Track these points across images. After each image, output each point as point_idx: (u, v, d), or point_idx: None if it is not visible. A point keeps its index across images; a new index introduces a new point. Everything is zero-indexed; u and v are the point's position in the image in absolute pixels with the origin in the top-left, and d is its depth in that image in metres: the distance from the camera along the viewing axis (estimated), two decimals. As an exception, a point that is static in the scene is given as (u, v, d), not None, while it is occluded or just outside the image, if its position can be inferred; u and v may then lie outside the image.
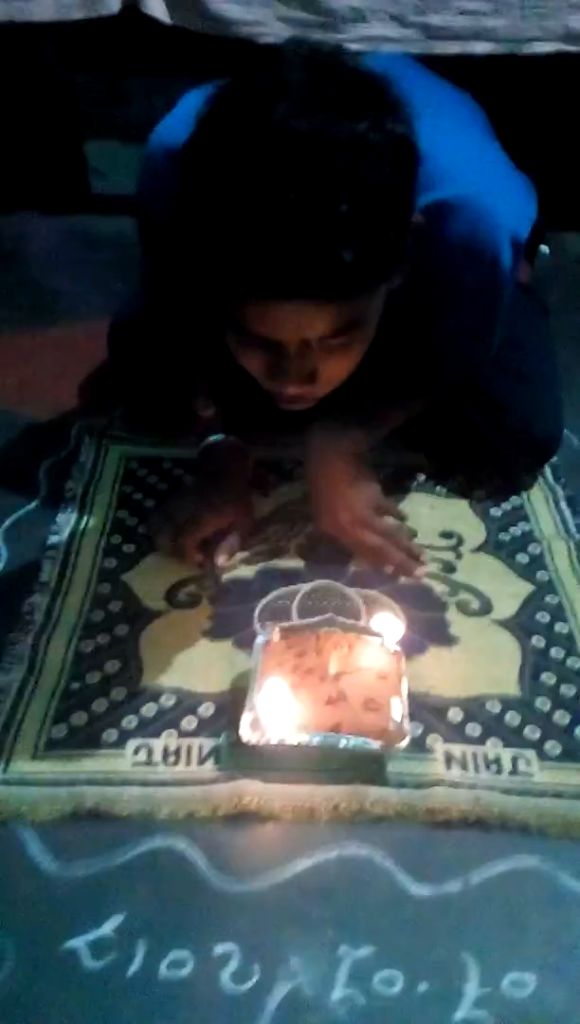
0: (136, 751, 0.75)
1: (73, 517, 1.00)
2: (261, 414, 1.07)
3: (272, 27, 1.45)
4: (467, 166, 0.83)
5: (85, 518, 1.00)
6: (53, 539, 0.97)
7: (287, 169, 0.61)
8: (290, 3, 1.43)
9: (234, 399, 1.01)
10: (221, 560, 0.92)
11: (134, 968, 0.62)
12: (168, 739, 0.77)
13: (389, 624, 0.85)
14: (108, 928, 0.64)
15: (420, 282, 0.84)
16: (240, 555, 0.95)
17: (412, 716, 0.77)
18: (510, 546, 0.99)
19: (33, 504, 1.03)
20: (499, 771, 0.75)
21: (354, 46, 1.36)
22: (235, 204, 0.63)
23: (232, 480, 0.97)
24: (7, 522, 1.00)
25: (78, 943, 0.63)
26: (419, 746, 0.76)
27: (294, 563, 0.96)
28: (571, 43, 1.43)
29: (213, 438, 0.98)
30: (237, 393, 1.01)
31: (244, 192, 0.62)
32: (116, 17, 1.45)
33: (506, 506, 1.05)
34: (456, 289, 0.87)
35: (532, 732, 0.78)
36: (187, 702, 0.80)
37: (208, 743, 0.76)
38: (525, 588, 0.94)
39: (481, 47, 1.43)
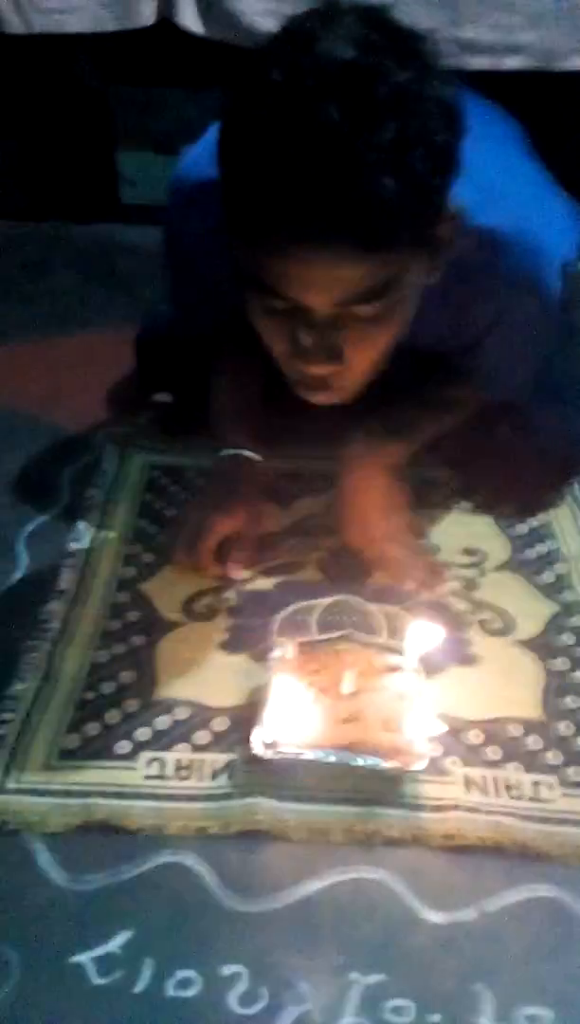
0: (148, 764, 0.75)
1: (94, 525, 1.00)
2: (285, 424, 1.07)
3: (305, 40, 1.45)
4: (515, 188, 0.82)
5: (106, 527, 1.00)
6: (73, 546, 0.96)
7: (329, 93, 0.59)
8: (324, 15, 1.44)
9: (259, 409, 1.01)
10: (234, 573, 0.90)
11: (140, 986, 0.61)
12: (181, 753, 0.76)
13: (424, 636, 0.83)
14: (115, 944, 0.63)
15: (466, 311, 0.84)
16: (258, 567, 0.94)
17: (431, 738, 0.75)
18: (534, 565, 0.97)
19: (55, 511, 1.03)
20: (519, 796, 0.73)
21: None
22: (275, 130, 0.60)
23: (242, 488, 0.94)
24: (28, 528, 1.00)
25: (84, 958, 0.62)
26: (437, 768, 0.75)
27: (313, 576, 0.94)
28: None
29: (227, 451, 0.96)
30: (262, 403, 1.02)
31: (285, 118, 0.60)
32: (150, 28, 1.46)
33: (531, 524, 1.03)
34: (506, 322, 0.85)
35: (554, 757, 0.76)
36: (201, 715, 0.79)
37: (221, 758, 0.75)
38: (549, 608, 0.92)
39: (513, 62, 1.42)
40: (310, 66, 0.60)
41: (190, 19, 1.45)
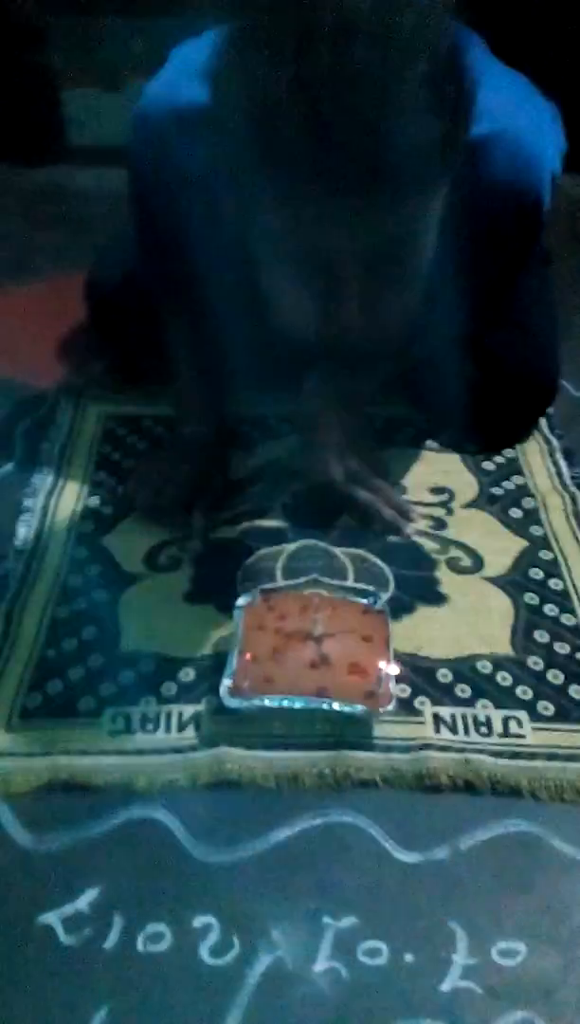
0: (113, 719, 0.73)
1: (49, 479, 0.97)
2: (248, 368, 1.04)
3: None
4: (504, 97, 0.77)
5: (62, 480, 0.97)
6: (28, 502, 0.93)
7: (356, 29, 0.54)
8: None
9: (220, 352, 0.98)
10: (200, 520, 0.88)
11: (110, 943, 0.60)
12: (146, 706, 0.74)
13: (376, 584, 0.83)
14: (83, 902, 0.62)
15: (457, 216, 0.79)
16: (221, 515, 0.92)
17: (400, 678, 0.74)
18: (503, 501, 0.96)
19: (8, 466, 0.99)
20: (489, 733, 0.72)
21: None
22: (303, 65, 0.54)
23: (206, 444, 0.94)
24: (-19, 486, 0.97)
25: (52, 918, 0.61)
26: (407, 709, 0.74)
27: (278, 523, 0.92)
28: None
29: (188, 429, 0.95)
30: (224, 346, 0.98)
31: (312, 54, 0.54)
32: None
33: (499, 459, 1.01)
34: (495, 225, 0.80)
35: (524, 692, 0.75)
36: (166, 668, 0.77)
37: (188, 709, 0.74)
38: (518, 544, 0.90)
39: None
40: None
41: None
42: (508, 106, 0.77)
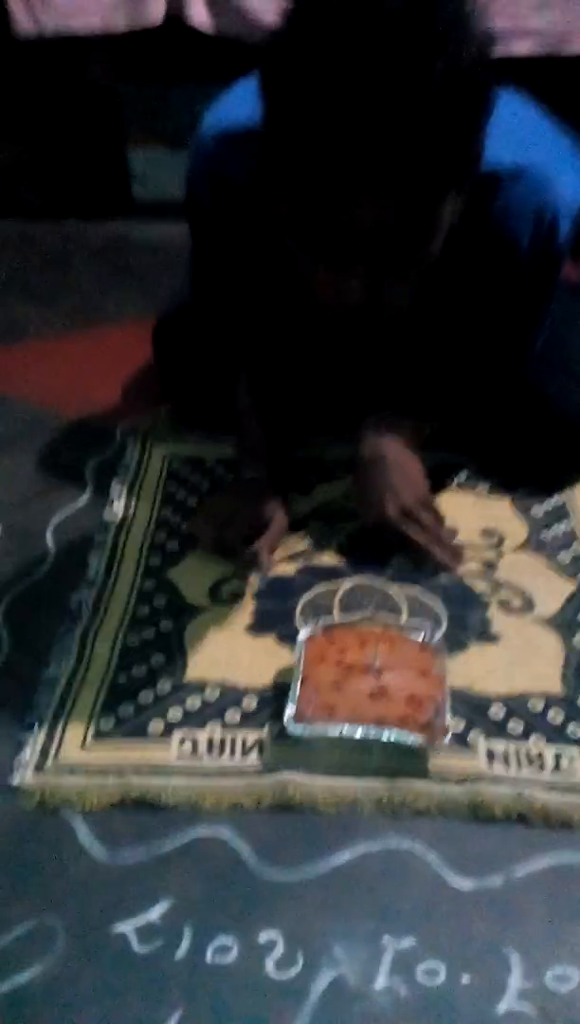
0: (181, 742, 0.77)
1: (118, 516, 1.02)
2: (306, 411, 1.10)
3: (313, 32, 1.46)
4: (528, 135, 0.83)
5: (130, 516, 1.02)
6: (99, 537, 0.99)
7: (384, 37, 0.59)
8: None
9: (281, 397, 1.03)
10: (265, 557, 0.92)
11: (181, 953, 0.63)
12: (213, 731, 0.78)
13: (430, 622, 0.86)
14: (155, 914, 0.65)
15: (477, 245, 0.82)
16: (280, 552, 0.96)
17: (454, 712, 0.77)
18: (552, 545, 0.99)
19: (80, 503, 1.05)
20: (542, 768, 0.75)
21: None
22: (333, 69, 0.60)
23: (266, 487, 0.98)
24: (55, 520, 1.02)
25: (126, 928, 0.65)
26: (461, 742, 0.77)
27: (334, 561, 0.96)
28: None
29: (249, 475, 0.99)
30: (284, 390, 1.04)
31: (343, 59, 0.60)
32: (160, 27, 1.48)
33: (548, 505, 1.05)
34: (514, 254, 0.85)
35: (575, 729, 0.78)
36: (231, 695, 0.81)
37: (252, 735, 0.77)
38: (567, 587, 0.93)
39: (521, 47, 1.43)
40: (362, 11, 0.60)
41: (199, 16, 1.47)
42: (532, 139, 0.83)
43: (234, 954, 0.63)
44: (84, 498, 1.06)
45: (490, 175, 0.77)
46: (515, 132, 0.79)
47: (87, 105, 1.73)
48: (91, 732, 0.78)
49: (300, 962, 0.63)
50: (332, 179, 0.64)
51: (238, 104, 0.82)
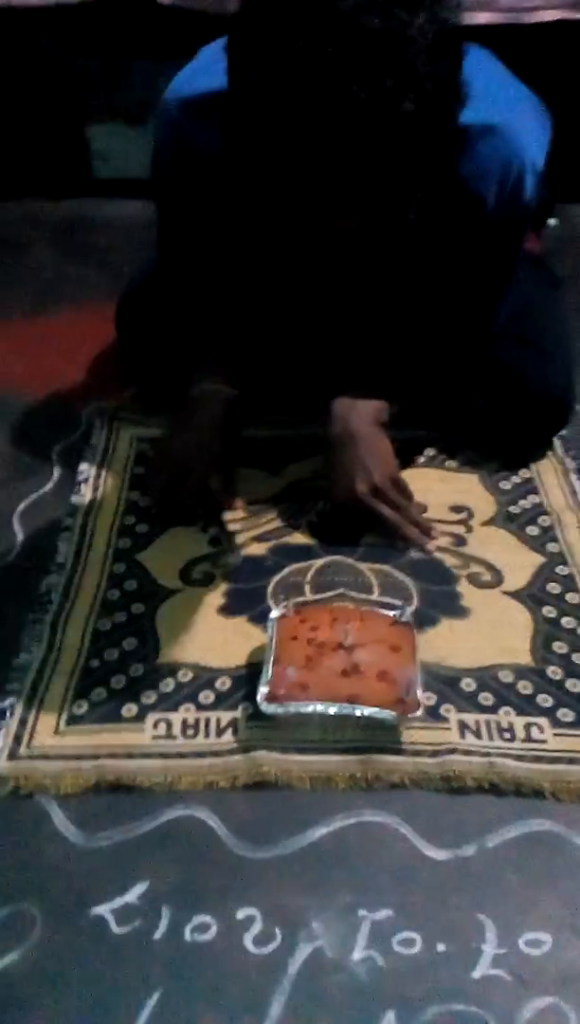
0: (155, 725, 0.77)
1: (86, 499, 1.01)
2: (273, 391, 1.09)
3: (272, 4, 1.44)
4: (495, 92, 0.82)
5: (98, 500, 1.01)
6: (67, 521, 0.98)
7: (357, 65, 0.58)
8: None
9: (247, 376, 1.03)
10: (236, 507, 0.97)
11: (159, 933, 0.64)
12: (186, 713, 0.78)
13: (401, 598, 0.87)
14: (133, 895, 0.66)
15: (444, 201, 0.80)
16: (251, 532, 0.96)
17: (426, 686, 0.78)
18: (520, 519, 1.00)
19: (47, 487, 1.04)
20: (512, 738, 0.76)
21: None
22: (300, 93, 0.59)
23: (205, 424, 0.98)
24: (22, 505, 1.01)
25: (104, 910, 0.65)
26: (433, 715, 0.77)
27: (305, 540, 0.96)
28: (577, 10, 1.42)
29: (202, 384, 0.99)
30: (250, 369, 1.03)
31: (311, 84, 0.59)
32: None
33: (515, 479, 1.05)
34: (480, 209, 0.85)
35: (544, 700, 0.79)
36: (204, 677, 0.81)
37: (226, 716, 0.78)
38: (536, 560, 0.94)
39: (484, 17, 1.42)
40: (337, 32, 0.58)
41: (155, -13, 1.44)
42: (498, 96, 0.82)
43: (213, 932, 0.64)
44: (51, 482, 1.05)
45: (458, 131, 0.76)
46: (482, 89, 0.77)
47: (43, 81, 1.69)
48: (64, 718, 0.78)
49: (278, 937, 0.63)
50: (297, 172, 0.63)
51: (202, 72, 0.82)
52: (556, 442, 1.10)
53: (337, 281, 0.74)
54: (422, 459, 1.08)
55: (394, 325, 0.96)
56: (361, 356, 1.00)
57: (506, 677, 0.81)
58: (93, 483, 1.04)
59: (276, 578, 0.91)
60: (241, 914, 0.65)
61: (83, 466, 1.06)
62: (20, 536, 0.97)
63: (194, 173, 0.87)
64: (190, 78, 0.86)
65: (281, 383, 1.07)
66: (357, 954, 0.63)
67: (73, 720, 0.78)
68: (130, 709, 0.78)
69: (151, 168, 0.94)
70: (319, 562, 0.93)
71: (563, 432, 1.09)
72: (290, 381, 1.08)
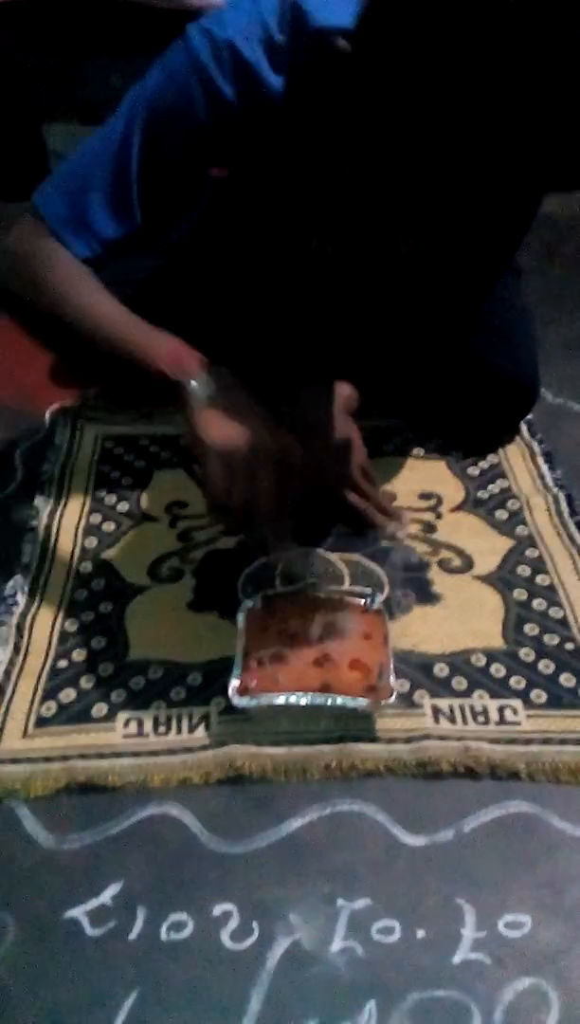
0: (126, 723, 0.76)
1: (51, 499, 1.00)
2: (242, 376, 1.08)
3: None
4: None
5: (63, 499, 1.00)
6: (32, 522, 0.96)
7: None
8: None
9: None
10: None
11: (135, 933, 0.62)
12: (157, 710, 0.77)
13: (372, 586, 0.86)
14: (107, 896, 0.65)
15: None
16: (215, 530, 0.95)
17: (399, 673, 0.78)
18: (489, 503, 1.00)
19: (10, 489, 1.02)
20: (486, 721, 0.76)
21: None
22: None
23: (257, 415, 0.76)
24: (-15, 508, 1.00)
25: (78, 912, 0.64)
26: (407, 702, 0.77)
27: (275, 532, 0.95)
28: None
29: (200, 385, 0.75)
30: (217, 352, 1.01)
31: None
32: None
33: (483, 465, 1.05)
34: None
35: (517, 682, 0.79)
36: (175, 673, 0.80)
37: (198, 711, 0.77)
38: (505, 543, 0.94)
39: None
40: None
41: (106, -18, 1.42)
42: None
43: (189, 929, 0.63)
44: (14, 484, 1.03)
45: None
46: None
47: (-3, 80, 1.67)
48: (32, 720, 0.76)
49: (256, 931, 0.63)
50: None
51: (253, 19, 0.72)
52: (522, 426, 1.10)
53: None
54: (391, 448, 1.07)
55: (387, 312, 0.94)
56: (337, 344, 0.99)
57: (479, 661, 0.81)
58: (57, 483, 1.02)
59: (246, 571, 0.90)
60: (217, 910, 0.64)
61: (46, 466, 1.05)
62: (-16, 539, 0.96)
63: (258, 113, 0.74)
64: (245, 21, 0.72)
65: (250, 368, 1.06)
66: (336, 945, 0.62)
67: (41, 722, 0.76)
68: (100, 709, 0.77)
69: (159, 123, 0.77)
70: (289, 553, 0.92)
71: (529, 416, 1.09)
72: (260, 366, 1.07)
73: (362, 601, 0.83)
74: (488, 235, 0.67)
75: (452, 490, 1.02)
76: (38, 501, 0.99)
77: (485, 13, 0.51)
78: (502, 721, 0.76)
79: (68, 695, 0.78)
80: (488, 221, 0.62)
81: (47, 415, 1.14)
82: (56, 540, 0.95)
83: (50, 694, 0.78)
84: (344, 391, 0.97)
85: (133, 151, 0.76)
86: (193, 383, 0.74)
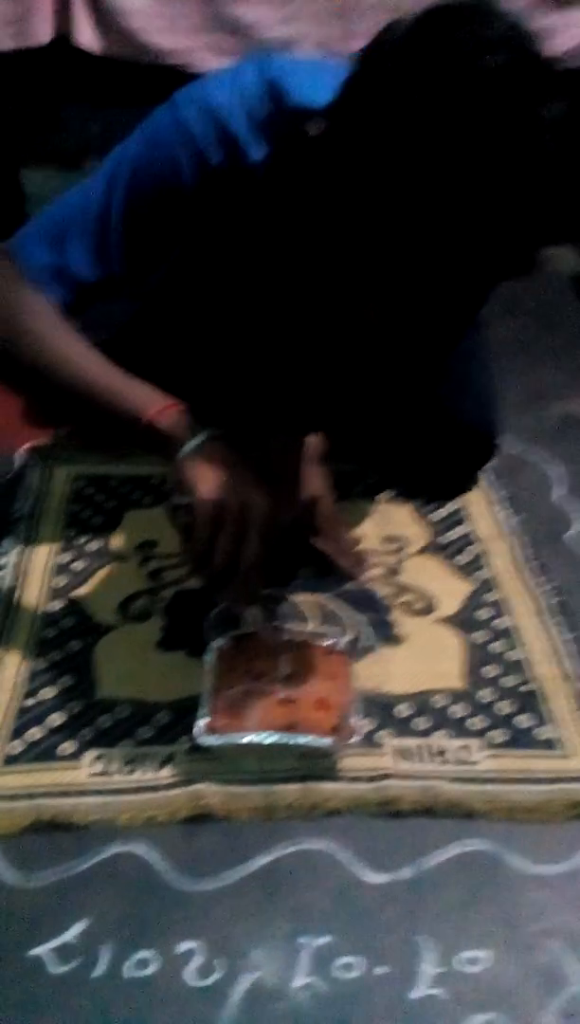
0: (93, 762, 0.77)
1: (21, 539, 1.01)
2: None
3: (202, 56, 1.49)
4: None
5: (34, 538, 1.01)
6: (2, 560, 0.97)
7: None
8: (218, 31, 1.48)
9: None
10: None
11: (99, 971, 0.63)
12: (124, 748, 0.78)
13: (337, 628, 0.89)
14: (72, 934, 0.65)
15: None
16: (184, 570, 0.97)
17: (363, 713, 0.80)
18: (451, 548, 1.03)
19: (-20, 527, 1.03)
20: (446, 761, 0.78)
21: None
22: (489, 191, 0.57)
23: (247, 472, 0.78)
24: (-45, 546, 1.00)
25: (42, 950, 0.64)
26: (370, 742, 0.79)
27: (243, 573, 0.97)
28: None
29: (195, 440, 0.76)
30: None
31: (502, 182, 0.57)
32: (47, 46, 1.48)
33: (445, 511, 1.09)
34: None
35: (477, 723, 0.81)
36: (143, 712, 0.81)
37: (165, 750, 0.78)
38: (466, 587, 0.97)
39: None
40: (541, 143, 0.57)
41: (86, 37, 1.48)
42: None
43: (153, 967, 0.63)
44: (-15, 522, 1.04)
45: None
46: None
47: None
48: (-1, 758, 0.77)
49: (219, 969, 0.63)
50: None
51: (255, 90, 0.76)
52: (483, 474, 1.14)
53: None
54: (357, 492, 1.10)
55: (354, 366, 0.98)
56: (306, 393, 1.02)
57: (440, 702, 0.83)
58: (27, 522, 1.04)
59: (214, 612, 0.92)
60: (181, 948, 0.65)
61: (17, 505, 1.06)
62: (-46, 576, 0.96)
63: (243, 192, 0.79)
64: (230, 95, 0.76)
65: (222, 414, 1.09)
66: (298, 981, 0.63)
67: (8, 760, 0.77)
68: (67, 747, 0.78)
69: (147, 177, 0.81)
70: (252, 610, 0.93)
71: (490, 464, 1.13)
72: (232, 413, 1.10)
73: (327, 642, 0.86)
74: (453, 302, 0.71)
75: (416, 534, 1.05)
76: (6, 541, 1.00)
77: (446, 119, 0.56)
78: (461, 761, 0.78)
79: (35, 733, 0.79)
80: (452, 292, 0.66)
81: (18, 454, 1.15)
82: (26, 578, 0.96)
83: (17, 732, 0.79)
84: (311, 439, 1.00)
85: (115, 207, 0.80)
86: (186, 438, 0.77)
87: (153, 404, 0.78)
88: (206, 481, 0.75)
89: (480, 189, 0.57)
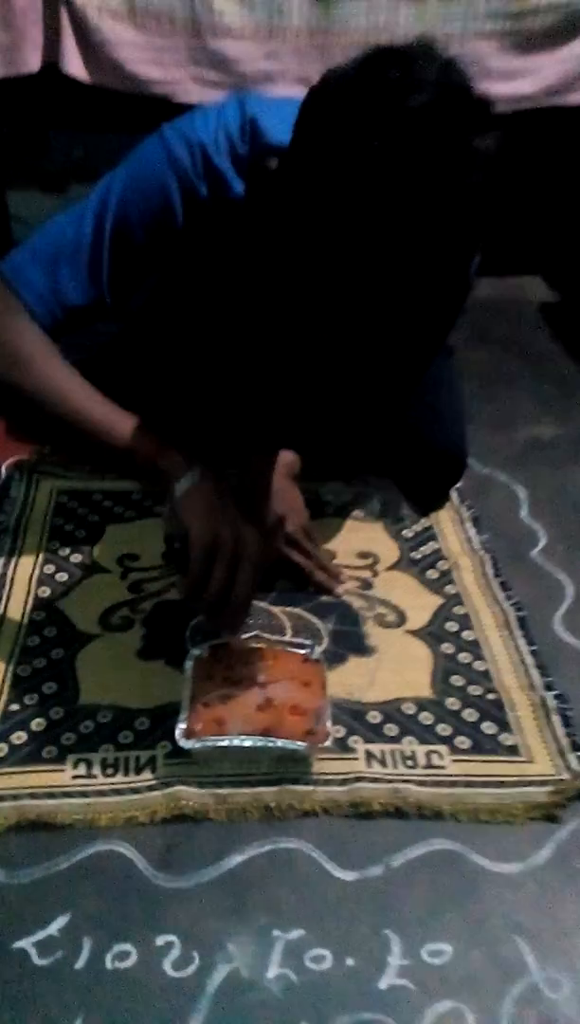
0: (76, 765, 0.79)
1: (6, 549, 1.04)
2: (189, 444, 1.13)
3: (186, 87, 1.54)
4: None
5: (18, 550, 1.04)
6: (-13, 571, 1.00)
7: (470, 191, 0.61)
8: (203, 65, 1.53)
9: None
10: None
11: (81, 963, 0.66)
12: (106, 752, 0.81)
13: (312, 638, 0.92)
14: (54, 928, 0.68)
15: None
16: (165, 580, 1.00)
17: (335, 719, 0.83)
18: (421, 563, 1.07)
19: (-34, 538, 1.06)
20: (414, 765, 0.81)
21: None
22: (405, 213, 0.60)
23: (231, 508, 0.83)
24: None
25: (25, 944, 0.67)
26: (342, 746, 0.82)
27: (221, 585, 1.01)
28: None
29: (189, 476, 0.82)
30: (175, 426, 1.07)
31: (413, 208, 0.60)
32: (36, 74, 1.52)
33: (417, 528, 1.13)
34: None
35: (444, 729, 0.85)
36: (123, 717, 0.84)
37: (145, 754, 0.81)
38: (435, 601, 1.01)
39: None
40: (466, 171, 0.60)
41: (75, 67, 1.52)
42: None
43: (133, 959, 0.66)
44: (-30, 534, 1.07)
45: None
46: None
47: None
48: (-16, 761, 0.79)
49: (196, 960, 0.66)
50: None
51: (234, 128, 0.81)
52: (453, 494, 1.18)
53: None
54: (331, 510, 1.14)
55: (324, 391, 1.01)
56: (284, 415, 1.05)
57: (409, 709, 0.87)
58: (12, 534, 1.06)
59: (193, 622, 0.95)
60: (160, 940, 0.68)
61: (1, 517, 1.09)
62: None
63: (227, 223, 0.83)
64: (216, 131, 0.81)
65: (196, 437, 1.13)
66: (271, 972, 0.66)
67: (-7, 763, 0.79)
68: (50, 751, 0.81)
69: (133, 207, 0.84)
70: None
71: (459, 484, 1.18)
72: (210, 433, 1.13)
73: (302, 651, 0.89)
74: (407, 332, 0.75)
75: (387, 550, 1.09)
76: (-7, 552, 1.03)
77: (375, 156, 0.59)
78: (429, 765, 0.82)
79: (19, 737, 0.82)
80: (398, 320, 0.69)
81: (3, 469, 1.18)
82: (10, 589, 0.99)
83: (2, 736, 0.82)
84: (287, 457, 1.04)
85: (105, 235, 0.84)
86: (180, 474, 0.82)
87: (147, 442, 0.83)
88: (201, 516, 0.79)
89: (409, 222, 0.61)
